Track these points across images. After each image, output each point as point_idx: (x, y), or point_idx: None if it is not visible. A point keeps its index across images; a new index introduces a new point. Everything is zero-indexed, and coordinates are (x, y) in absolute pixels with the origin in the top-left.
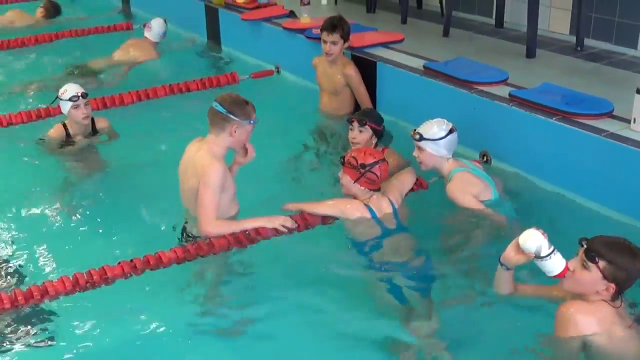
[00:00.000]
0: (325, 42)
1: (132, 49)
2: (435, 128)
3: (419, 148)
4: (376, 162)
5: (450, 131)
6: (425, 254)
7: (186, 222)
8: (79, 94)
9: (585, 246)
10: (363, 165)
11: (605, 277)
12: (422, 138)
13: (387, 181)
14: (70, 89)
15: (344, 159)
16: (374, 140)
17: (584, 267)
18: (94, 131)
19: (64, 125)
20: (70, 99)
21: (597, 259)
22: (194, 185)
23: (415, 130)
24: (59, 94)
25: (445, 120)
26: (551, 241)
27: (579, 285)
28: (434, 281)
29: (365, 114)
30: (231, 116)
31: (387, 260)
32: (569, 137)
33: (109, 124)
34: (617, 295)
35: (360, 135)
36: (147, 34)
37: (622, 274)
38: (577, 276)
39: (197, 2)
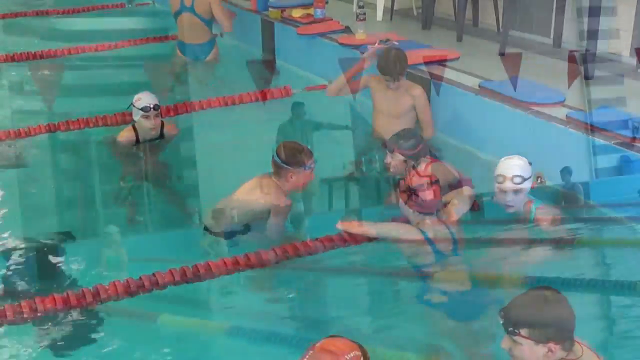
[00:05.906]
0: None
1: None
2: (524, 164)
3: (519, 191)
4: (420, 185)
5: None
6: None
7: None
8: (151, 106)
9: (501, 321)
10: (408, 188)
11: (538, 342)
12: (524, 180)
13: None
14: (144, 99)
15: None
16: (410, 163)
17: (515, 343)
18: (161, 135)
19: (134, 129)
20: (142, 109)
21: (516, 330)
22: (255, 204)
23: (516, 174)
24: (134, 100)
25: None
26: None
27: None
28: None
29: (397, 139)
30: (285, 166)
31: (438, 286)
32: (628, 161)
33: (177, 132)
34: (570, 345)
35: (393, 160)
36: None
37: (551, 330)
38: (517, 355)
39: (253, 15)
